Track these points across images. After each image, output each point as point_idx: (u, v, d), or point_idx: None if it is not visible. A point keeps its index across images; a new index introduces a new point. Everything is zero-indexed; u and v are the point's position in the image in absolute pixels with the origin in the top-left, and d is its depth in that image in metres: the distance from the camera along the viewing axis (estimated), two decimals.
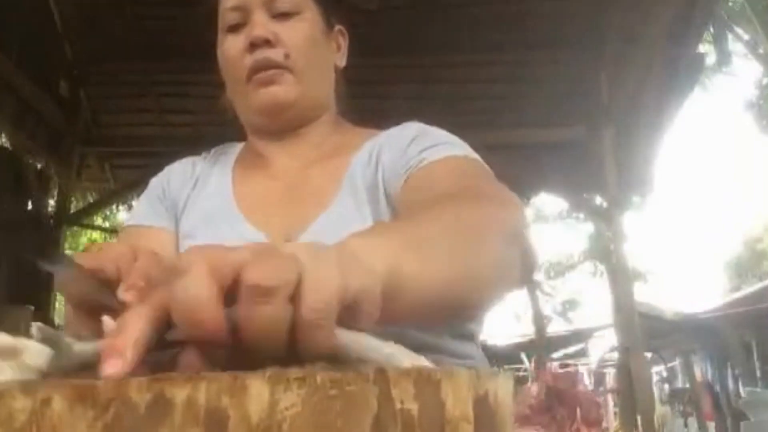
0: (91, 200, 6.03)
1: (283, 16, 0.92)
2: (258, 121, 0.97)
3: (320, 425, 0.25)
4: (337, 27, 1.01)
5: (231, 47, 0.93)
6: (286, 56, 0.90)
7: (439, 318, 0.54)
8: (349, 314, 0.39)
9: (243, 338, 0.36)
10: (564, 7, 4.52)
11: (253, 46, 0.90)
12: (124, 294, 0.48)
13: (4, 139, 4.92)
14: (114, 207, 7.34)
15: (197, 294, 0.35)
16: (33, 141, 4.81)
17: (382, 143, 0.93)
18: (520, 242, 0.67)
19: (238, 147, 1.06)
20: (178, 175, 1.02)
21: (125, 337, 0.36)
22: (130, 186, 5.39)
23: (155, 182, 1.02)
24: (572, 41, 4.74)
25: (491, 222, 0.65)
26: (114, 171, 5.88)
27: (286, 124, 0.96)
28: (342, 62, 1.02)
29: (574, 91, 4.96)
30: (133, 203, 1.05)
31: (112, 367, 0.34)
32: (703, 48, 5.19)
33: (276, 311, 0.35)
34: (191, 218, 0.95)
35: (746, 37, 12.66)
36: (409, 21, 4.49)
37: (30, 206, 4.85)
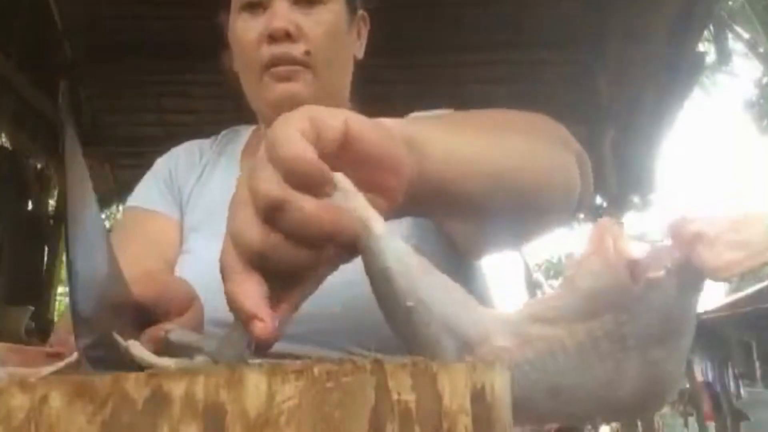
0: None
1: (306, 2, 0.85)
2: (270, 113, 0.91)
3: (318, 418, 0.25)
4: (360, 12, 0.95)
5: (247, 31, 0.86)
6: (307, 53, 0.84)
7: (483, 198, 0.49)
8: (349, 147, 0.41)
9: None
10: (564, 7, 4.51)
11: (273, 38, 0.84)
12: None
13: (4, 139, 4.91)
14: (115, 207, 7.33)
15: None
16: (33, 141, 4.81)
17: None
18: (571, 145, 0.64)
19: (246, 134, 1.02)
20: (184, 161, 0.98)
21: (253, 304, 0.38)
22: (131, 186, 5.38)
23: (162, 164, 0.98)
24: (572, 42, 4.74)
25: (540, 123, 0.62)
26: (114, 171, 5.87)
27: None
28: (361, 52, 0.96)
29: (574, 91, 4.96)
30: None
31: (262, 331, 0.38)
32: (703, 47, 5.19)
33: (298, 203, 0.38)
34: (197, 210, 0.92)
35: (746, 36, 12.67)
36: (407, 21, 4.49)
37: (30, 206, 4.85)
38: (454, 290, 0.40)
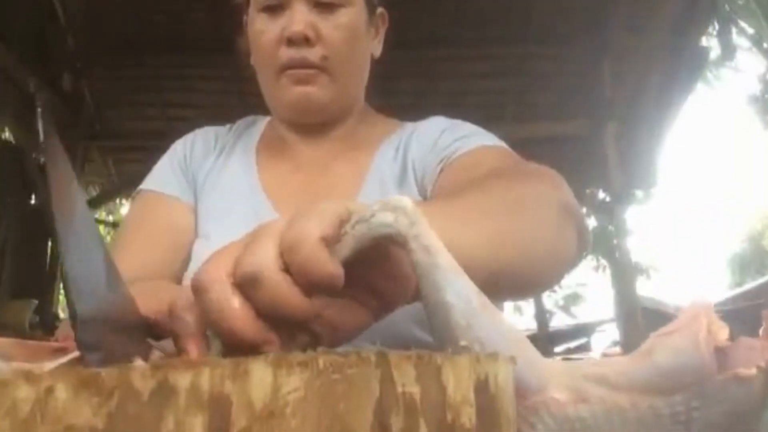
0: (95, 194, 6.04)
1: (326, 5, 0.85)
2: (287, 113, 0.94)
3: (323, 409, 0.26)
4: (379, 10, 0.95)
5: (265, 33, 0.86)
6: (324, 58, 0.85)
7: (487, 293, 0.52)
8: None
9: (274, 321, 0.38)
10: (568, 1, 4.50)
11: (291, 41, 0.84)
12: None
13: (7, 134, 4.92)
14: (117, 201, 7.34)
15: (228, 307, 0.38)
16: (36, 135, 4.81)
17: (409, 137, 0.91)
18: (573, 216, 0.65)
19: (261, 125, 1.02)
20: (200, 146, 0.98)
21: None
22: (134, 180, 5.39)
23: (179, 148, 0.98)
24: (575, 35, 4.72)
25: (542, 195, 0.63)
26: (117, 165, 5.88)
27: (315, 121, 0.92)
28: (378, 51, 0.96)
29: (577, 85, 4.95)
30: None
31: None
32: (706, 42, 5.17)
33: (270, 282, 0.38)
34: (213, 196, 0.92)
35: (751, 31, 12.62)
36: (412, 15, 4.48)
37: (33, 200, 4.85)
38: (513, 332, 0.39)
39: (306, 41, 0.84)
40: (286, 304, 0.38)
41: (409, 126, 0.95)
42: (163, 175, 0.95)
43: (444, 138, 0.86)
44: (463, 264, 0.42)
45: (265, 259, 0.38)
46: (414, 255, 0.38)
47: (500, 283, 0.55)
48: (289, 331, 0.40)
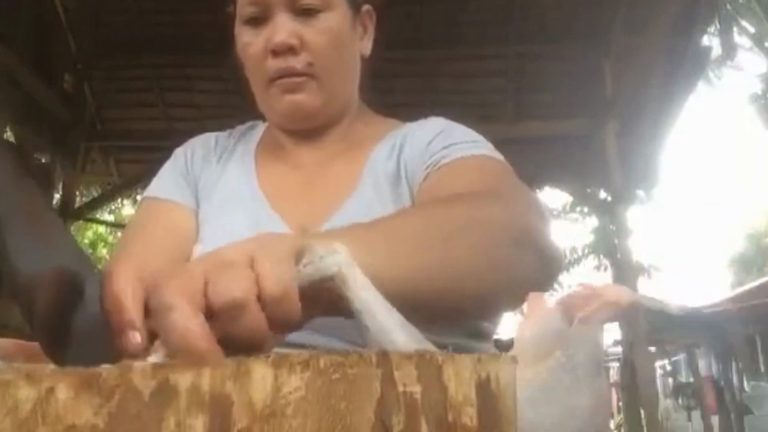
0: (96, 194, 6.05)
1: (307, 11, 0.85)
2: (280, 122, 0.94)
3: (324, 409, 0.26)
4: (365, 8, 0.94)
5: (251, 45, 0.87)
6: (310, 64, 0.85)
7: (415, 317, 0.54)
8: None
9: (236, 345, 0.41)
10: (568, 0, 4.50)
11: (276, 53, 0.85)
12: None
13: (8, 134, 4.92)
14: (119, 201, 7.36)
15: (186, 328, 0.39)
16: (38, 135, 4.82)
17: (405, 136, 0.90)
18: (531, 243, 0.65)
19: (260, 129, 1.02)
20: (200, 152, 0.99)
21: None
22: (135, 180, 5.40)
23: (180, 154, 0.99)
24: (576, 34, 4.72)
25: (495, 222, 0.63)
26: (119, 165, 5.88)
27: (308, 126, 0.93)
28: (368, 49, 0.95)
29: (578, 85, 4.94)
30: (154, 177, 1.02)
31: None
32: (708, 41, 5.17)
33: (253, 314, 0.41)
34: (213, 201, 0.92)
35: (752, 30, 12.61)
36: (412, 14, 4.48)
37: None
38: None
39: (290, 50, 0.84)
40: (260, 333, 0.42)
41: (407, 126, 0.94)
42: (165, 182, 0.96)
43: (435, 143, 0.86)
44: (388, 295, 0.46)
45: (249, 292, 0.41)
46: (355, 293, 0.45)
47: (431, 311, 0.57)
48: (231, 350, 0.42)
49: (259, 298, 0.42)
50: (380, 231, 0.56)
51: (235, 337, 0.41)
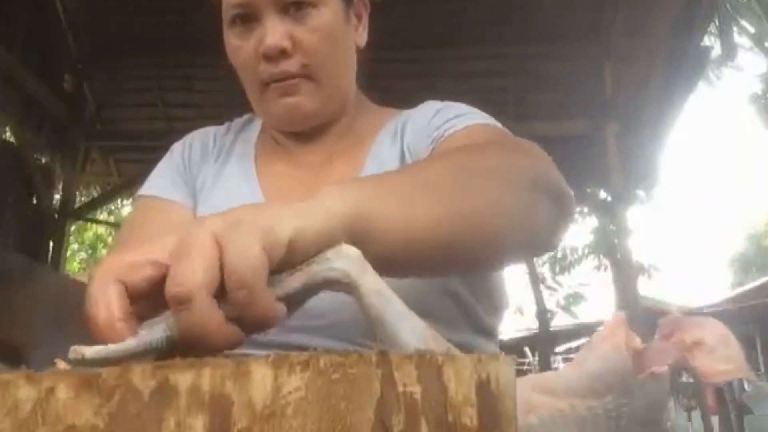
0: (96, 194, 6.04)
1: (297, 6, 0.81)
2: (278, 125, 0.92)
3: (324, 409, 0.25)
4: None
5: (242, 48, 0.83)
6: (305, 66, 0.82)
7: (433, 266, 0.51)
8: (287, 260, 0.42)
9: (191, 342, 0.39)
10: (569, 1, 4.50)
11: (268, 57, 0.81)
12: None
13: (8, 134, 4.92)
14: (119, 201, 7.35)
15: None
16: (37, 136, 4.82)
17: (405, 121, 0.90)
18: (548, 186, 0.64)
19: (258, 123, 0.99)
20: (198, 150, 0.96)
21: None
22: (135, 180, 5.40)
23: (177, 151, 0.97)
24: (576, 34, 4.72)
25: (511, 167, 0.62)
26: (118, 165, 5.88)
27: (307, 127, 0.90)
28: (363, 39, 0.92)
29: (578, 85, 4.94)
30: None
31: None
32: (708, 41, 5.17)
33: (199, 311, 0.38)
34: (212, 199, 0.90)
35: (752, 30, 12.60)
36: (411, 15, 4.48)
37: (35, 201, 4.86)
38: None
39: (283, 53, 0.81)
40: (212, 332, 0.39)
41: (405, 112, 0.93)
42: (161, 180, 0.94)
43: (436, 119, 0.85)
44: (409, 244, 0.44)
45: (198, 285, 0.38)
46: (365, 299, 0.42)
47: (453, 259, 0.55)
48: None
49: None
50: (394, 177, 0.55)
51: (186, 335, 0.39)
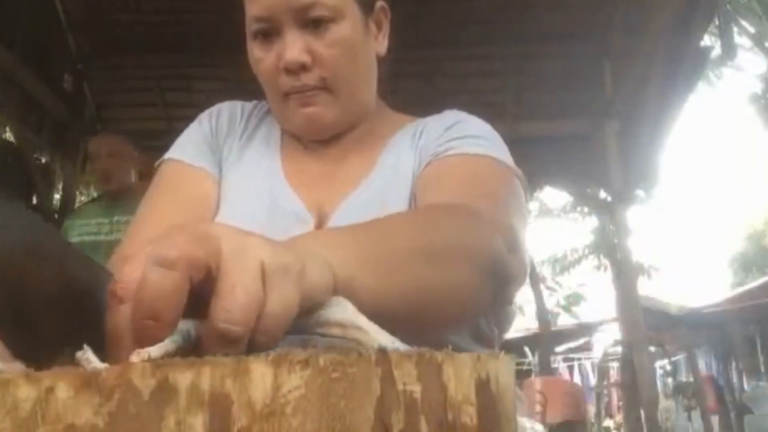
0: (96, 195, 6.04)
1: (317, 23, 0.84)
2: (298, 132, 0.94)
3: (324, 408, 0.26)
4: (379, 4, 0.93)
5: (263, 61, 0.87)
6: (324, 78, 0.85)
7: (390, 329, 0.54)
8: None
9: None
10: (568, 0, 4.50)
11: (288, 71, 0.84)
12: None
13: (8, 134, 4.92)
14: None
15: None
16: (37, 135, 4.82)
17: (424, 126, 0.92)
18: (493, 272, 0.66)
19: None
20: (226, 122, 0.98)
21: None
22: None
23: (206, 119, 0.98)
24: (576, 34, 4.72)
25: (465, 251, 0.65)
26: None
27: (327, 136, 0.93)
28: (384, 47, 0.94)
29: (578, 84, 4.94)
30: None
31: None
32: (708, 41, 5.16)
33: (240, 349, 0.37)
34: (235, 174, 0.92)
35: (752, 29, 12.61)
36: (412, 14, 4.48)
37: (35, 200, 4.86)
38: None
39: (302, 67, 0.84)
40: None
41: (425, 119, 0.95)
42: (190, 146, 0.94)
43: (446, 134, 0.87)
44: (375, 314, 0.46)
45: (248, 329, 0.38)
46: (352, 334, 0.44)
47: (404, 327, 0.58)
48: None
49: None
50: (373, 249, 0.56)
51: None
